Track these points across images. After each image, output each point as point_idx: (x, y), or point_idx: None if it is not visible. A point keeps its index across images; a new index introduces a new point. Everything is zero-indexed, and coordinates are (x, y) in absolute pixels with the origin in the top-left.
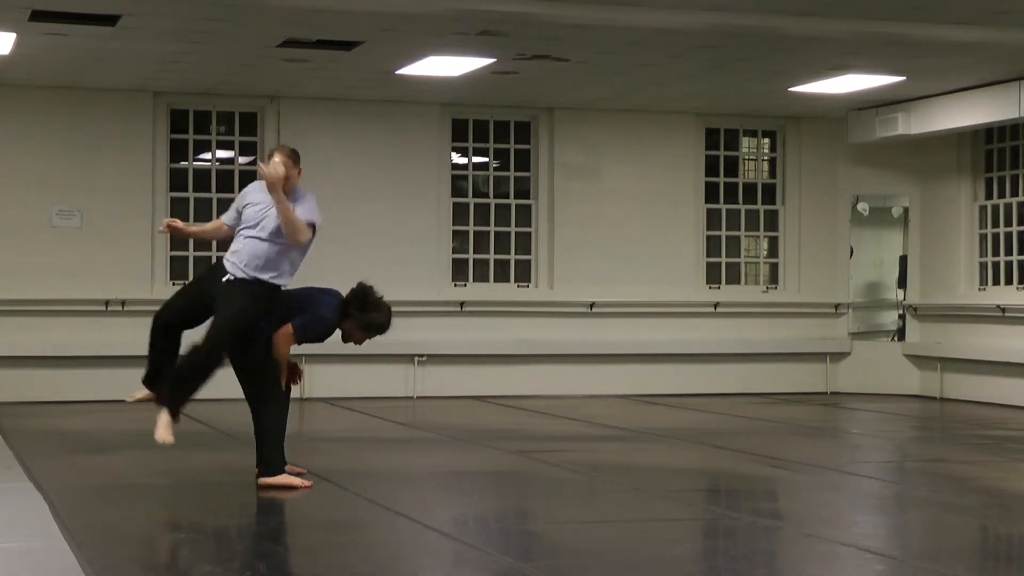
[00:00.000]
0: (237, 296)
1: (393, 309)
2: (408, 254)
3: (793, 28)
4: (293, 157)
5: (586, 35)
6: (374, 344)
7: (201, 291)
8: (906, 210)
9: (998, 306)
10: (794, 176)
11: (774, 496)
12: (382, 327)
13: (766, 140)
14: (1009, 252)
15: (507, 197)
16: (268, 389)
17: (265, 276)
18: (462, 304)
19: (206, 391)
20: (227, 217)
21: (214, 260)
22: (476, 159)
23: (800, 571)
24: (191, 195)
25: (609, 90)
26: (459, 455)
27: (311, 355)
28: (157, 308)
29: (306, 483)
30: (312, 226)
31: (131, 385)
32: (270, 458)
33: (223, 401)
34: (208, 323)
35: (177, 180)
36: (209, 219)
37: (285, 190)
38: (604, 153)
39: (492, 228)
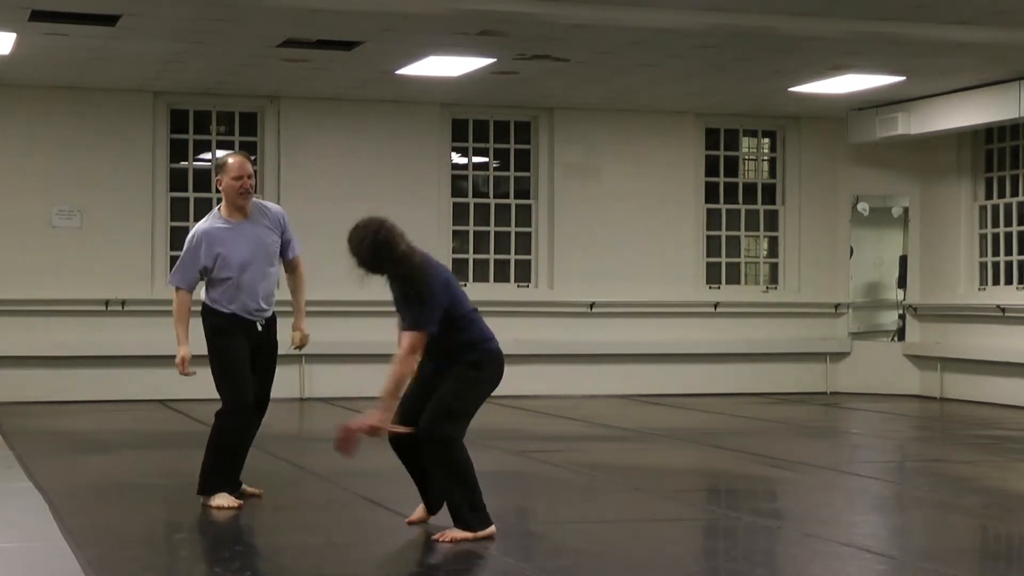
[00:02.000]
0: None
1: (393, 309)
2: None
3: (793, 28)
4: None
5: (586, 35)
6: (374, 344)
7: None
8: (906, 210)
9: (998, 306)
10: (794, 176)
11: (774, 496)
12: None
13: (766, 140)
14: (1009, 252)
15: (507, 197)
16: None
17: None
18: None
19: (209, 391)
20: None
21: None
22: (476, 159)
23: (800, 571)
24: (191, 195)
25: (609, 90)
26: None
27: (311, 355)
28: (156, 308)
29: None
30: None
31: (131, 385)
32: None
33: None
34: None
35: (177, 180)
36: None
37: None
38: (604, 153)
39: (492, 228)
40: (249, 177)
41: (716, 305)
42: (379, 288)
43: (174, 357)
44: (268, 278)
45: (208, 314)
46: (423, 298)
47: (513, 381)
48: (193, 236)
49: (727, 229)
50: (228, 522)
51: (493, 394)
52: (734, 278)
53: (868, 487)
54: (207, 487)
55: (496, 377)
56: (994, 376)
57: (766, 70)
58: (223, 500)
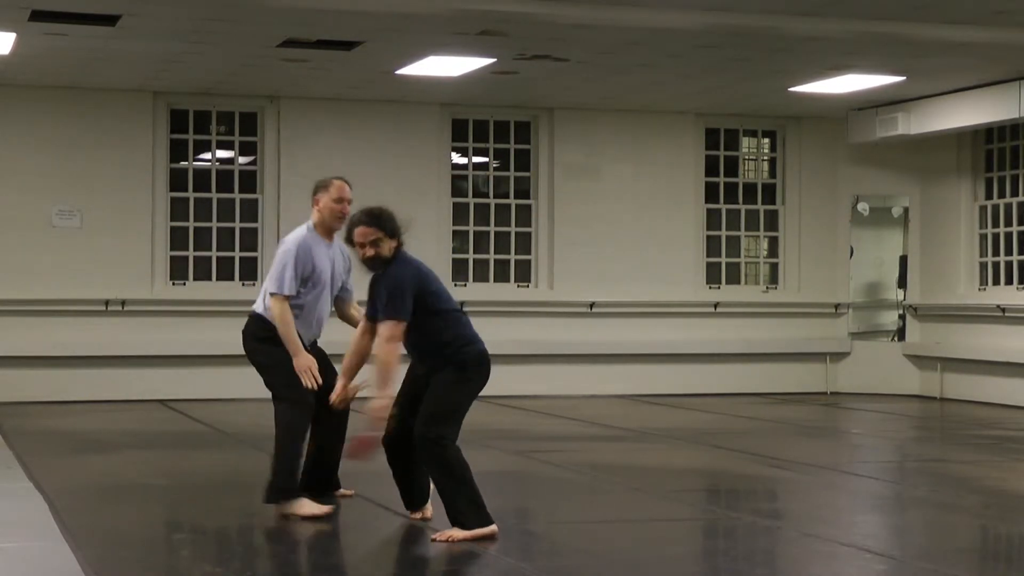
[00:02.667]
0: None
1: None
2: None
3: (793, 28)
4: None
5: (586, 35)
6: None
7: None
8: (906, 210)
9: (998, 306)
10: (794, 176)
11: (774, 496)
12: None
13: (766, 140)
14: (1009, 252)
15: (507, 197)
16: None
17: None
18: (462, 304)
19: (209, 391)
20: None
21: (215, 265)
22: (476, 159)
23: (800, 571)
24: (191, 195)
25: (609, 90)
26: None
27: None
28: (156, 308)
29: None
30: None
31: (131, 385)
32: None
33: (223, 401)
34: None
35: (177, 180)
36: (208, 219)
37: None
38: (604, 153)
39: (492, 228)
40: (349, 203)
41: (716, 305)
42: None
43: (173, 357)
44: (328, 305)
45: (271, 327)
46: (394, 286)
47: (513, 381)
48: (298, 246)
49: (727, 229)
50: (228, 522)
51: (493, 394)
52: (734, 278)
53: (868, 487)
54: (286, 492)
55: (482, 379)
56: (994, 376)
57: (766, 70)
58: (311, 508)
